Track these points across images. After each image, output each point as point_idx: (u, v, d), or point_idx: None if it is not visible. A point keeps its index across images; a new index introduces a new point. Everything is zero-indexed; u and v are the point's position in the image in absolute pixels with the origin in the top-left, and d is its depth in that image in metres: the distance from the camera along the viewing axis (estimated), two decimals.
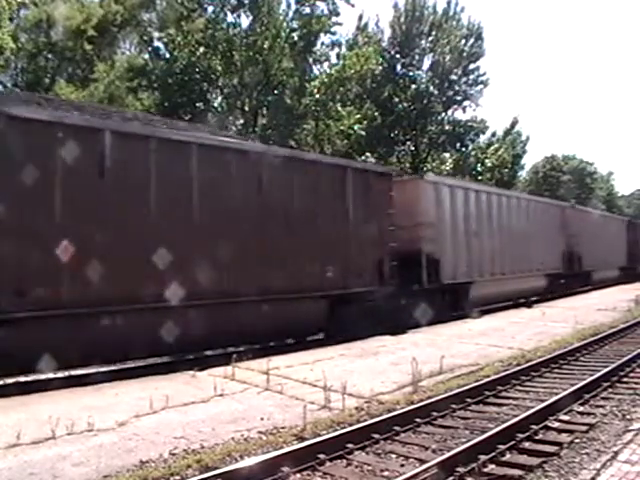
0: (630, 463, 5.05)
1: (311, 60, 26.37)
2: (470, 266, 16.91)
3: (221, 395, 7.64)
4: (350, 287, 12.69)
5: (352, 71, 25.42)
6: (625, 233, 34.58)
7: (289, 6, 25.20)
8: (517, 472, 5.19)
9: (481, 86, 35.83)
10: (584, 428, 6.38)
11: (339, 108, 26.22)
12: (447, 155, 36.94)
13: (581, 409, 7.21)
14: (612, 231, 31.37)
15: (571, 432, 6.26)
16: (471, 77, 35.50)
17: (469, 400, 7.52)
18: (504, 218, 19.34)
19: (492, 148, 38.12)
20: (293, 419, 6.57)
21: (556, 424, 6.55)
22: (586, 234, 25.74)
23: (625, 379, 8.76)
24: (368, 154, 29.61)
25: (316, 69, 27.18)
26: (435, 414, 6.89)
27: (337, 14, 25.53)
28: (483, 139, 38.99)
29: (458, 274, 16.30)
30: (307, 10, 25.07)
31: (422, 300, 14.00)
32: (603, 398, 7.76)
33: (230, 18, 24.96)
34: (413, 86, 34.40)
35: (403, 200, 14.40)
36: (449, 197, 16.45)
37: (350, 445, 5.75)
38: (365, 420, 6.61)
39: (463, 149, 37.06)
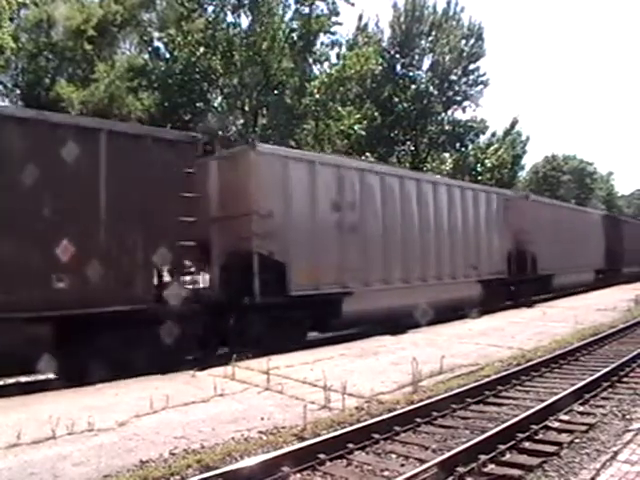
0: (630, 463, 5.05)
1: (311, 60, 26.36)
2: (344, 271, 12.71)
3: (221, 395, 7.64)
4: (93, 304, 8.48)
5: (352, 71, 25.40)
6: (603, 229, 30.57)
7: (289, 6, 25.21)
8: (517, 472, 5.19)
9: (481, 86, 35.96)
10: (584, 428, 6.38)
11: (339, 108, 26.21)
12: (447, 155, 36.97)
13: (581, 409, 7.21)
14: (584, 227, 27.37)
15: (571, 432, 6.26)
16: (471, 77, 35.58)
17: (469, 400, 7.52)
18: (411, 209, 15.12)
19: (492, 148, 38.14)
20: (293, 419, 6.57)
21: (556, 424, 6.55)
22: (545, 230, 21.84)
23: (625, 379, 8.76)
24: (368, 154, 29.60)
25: (316, 69, 27.19)
26: (435, 414, 6.89)
27: (337, 14, 25.54)
28: (483, 139, 39.10)
29: (321, 283, 12.23)
30: (307, 10, 25.06)
31: (257, 319, 10.85)
32: (603, 398, 7.76)
33: (230, 18, 24.97)
34: (413, 86, 34.44)
35: (233, 180, 11.30)
36: (307, 178, 12.25)
37: (350, 445, 5.76)
38: (365, 420, 6.61)
39: (463, 149, 37.11)
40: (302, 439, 5.94)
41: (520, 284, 20.17)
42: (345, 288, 12.77)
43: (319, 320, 12.47)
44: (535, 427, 6.24)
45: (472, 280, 17.40)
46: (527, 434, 6.05)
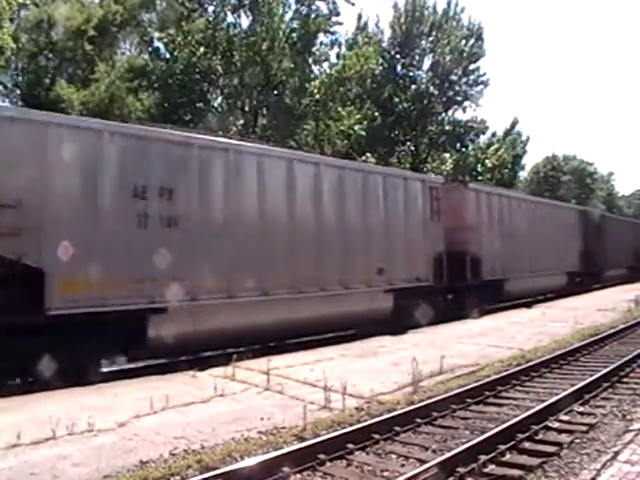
0: (630, 463, 5.05)
1: (311, 60, 26.36)
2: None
3: (221, 395, 7.64)
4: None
5: (352, 71, 25.42)
6: (579, 226, 27.00)
7: (289, 6, 25.22)
8: (517, 472, 5.19)
9: (481, 86, 35.98)
10: (584, 428, 6.38)
11: (339, 108, 26.22)
12: (447, 155, 36.96)
13: (581, 409, 7.21)
14: (553, 224, 23.67)
15: (571, 432, 6.26)
16: (471, 77, 35.59)
17: (469, 400, 7.52)
18: (275, 198, 11.57)
19: (492, 148, 38.15)
20: (293, 419, 6.57)
21: (556, 424, 6.55)
22: (494, 227, 18.82)
23: (625, 379, 8.76)
24: (368, 154, 29.61)
25: (316, 69, 27.19)
26: (435, 414, 6.89)
27: (337, 14, 25.57)
28: (483, 139, 39.11)
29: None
30: (307, 10, 25.08)
31: None
32: (603, 398, 7.76)
33: (230, 18, 25.00)
34: (413, 86, 34.47)
35: None
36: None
37: (350, 445, 5.76)
38: (365, 420, 6.61)
39: (463, 149, 37.10)
40: (302, 439, 5.94)
41: (455, 292, 16.53)
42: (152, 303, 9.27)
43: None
44: (535, 427, 6.24)
45: (379, 289, 13.71)
46: (527, 434, 6.05)
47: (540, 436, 6.17)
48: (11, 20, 20.56)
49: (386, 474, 5.24)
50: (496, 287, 18.18)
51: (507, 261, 18.91)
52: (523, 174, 51.87)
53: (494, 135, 40.08)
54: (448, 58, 33.95)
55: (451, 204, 16.41)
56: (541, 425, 6.37)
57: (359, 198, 13.52)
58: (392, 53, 34.05)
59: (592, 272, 27.03)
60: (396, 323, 13.47)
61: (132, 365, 9.54)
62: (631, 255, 34.34)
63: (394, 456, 5.71)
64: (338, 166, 13.65)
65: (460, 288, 16.40)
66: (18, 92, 23.19)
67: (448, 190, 16.92)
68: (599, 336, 12.44)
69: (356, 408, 7.12)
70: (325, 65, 27.38)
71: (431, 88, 34.60)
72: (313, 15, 25.01)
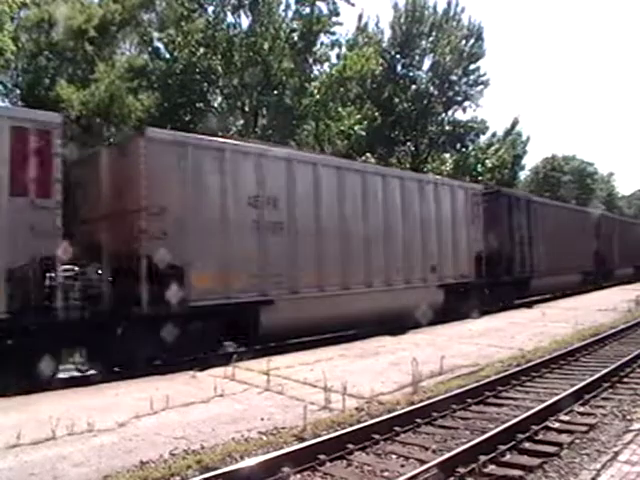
0: (630, 464, 5.04)
1: (311, 60, 26.37)
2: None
3: (221, 395, 7.64)
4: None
5: (352, 71, 25.43)
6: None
7: (289, 6, 25.23)
8: (517, 472, 5.19)
9: (481, 86, 35.99)
10: (584, 428, 6.38)
11: (339, 108, 26.22)
12: (447, 155, 36.97)
13: (581, 409, 7.21)
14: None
15: (571, 432, 6.26)
16: (471, 77, 35.61)
17: (469, 400, 7.52)
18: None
19: (492, 148, 38.14)
20: (293, 419, 6.57)
21: (556, 424, 6.55)
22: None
23: (625, 379, 8.76)
24: (368, 154, 29.62)
25: (316, 69, 27.20)
26: (435, 414, 6.89)
27: (337, 14, 25.56)
28: (483, 139, 39.09)
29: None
30: (307, 10, 25.09)
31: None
32: (603, 398, 7.76)
33: (230, 18, 25.01)
34: (413, 86, 34.48)
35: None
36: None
37: (350, 445, 5.76)
38: (365, 420, 6.61)
39: (463, 149, 37.12)
40: (302, 440, 5.94)
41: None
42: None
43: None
44: (535, 428, 6.24)
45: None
46: (527, 435, 6.05)
47: (540, 436, 6.16)
48: (12, 19, 20.57)
49: (386, 474, 5.24)
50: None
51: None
52: (523, 174, 51.91)
53: (494, 135, 40.12)
54: (448, 58, 33.96)
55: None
56: (541, 425, 6.37)
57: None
58: (392, 53, 34.06)
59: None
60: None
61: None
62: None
63: (394, 456, 5.71)
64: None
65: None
66: (18, 92, 23.18)
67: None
68: (599, 336, 12.44)
69: (356, 408, 7.12)
70: (325, 65, 27.41)
71: (431, 88, 34.62)
72: (314, 15, 24.99)
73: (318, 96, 25.15)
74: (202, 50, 24.19)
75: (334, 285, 12.67)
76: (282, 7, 25.08)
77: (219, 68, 24.79)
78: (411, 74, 34.68)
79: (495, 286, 18.18)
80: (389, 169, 18.38)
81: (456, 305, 15.95)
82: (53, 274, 8.59)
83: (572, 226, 25.04)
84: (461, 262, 16.72)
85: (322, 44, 26.61)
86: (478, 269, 17.25)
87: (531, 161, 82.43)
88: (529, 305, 19.92)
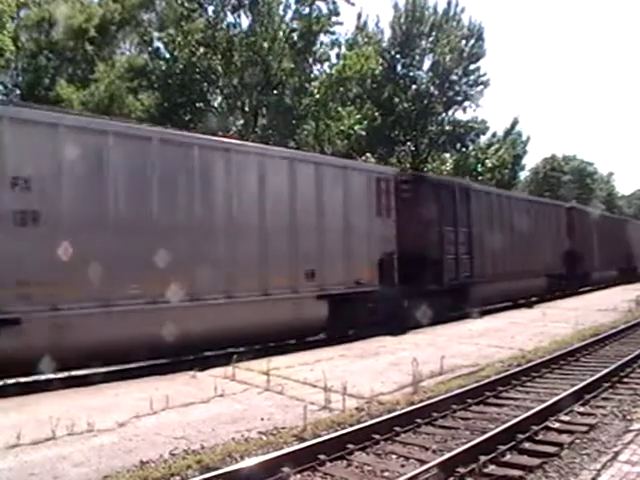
0: (630, 464, 5.04)
1: (311, 60, 26.38)
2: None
3: (221, 395, 7.64)
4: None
5: (352, 71, 25.42)
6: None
7: (289, 6, 25.23)
8: (517, 472, 5.19)
9: (481, 86, 36.00)
10: (584, 429, 6.38)
11: (339, 108, 26.22)
12: (447, 155, 36.98)
13: (581, 409, 7.20)
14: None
15: (571, 433, 6.26)
16: (471, 77, 35.61)
17: (469, 401, 7.51)
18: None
19: (492, 148, 38.16)
20: (293, 419, 6.56)
21: (556, 425, 6.55)
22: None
23: (626, 379, 8.76)
24: (368, 154, 29.62)
25: (316, 69, 27.21)
26: (435, 414, 6.88)
27: (337, 14, 25.56)
28: (483, 139, 39.11)
29: None
30: (307, 10, 25.08)
31: None
32: (604, 399, 7.75)
33: (230, 18, 25.01)
34: (413, 86, 34.48)
35: None
36: None
37: (350, 445, 5.75)
38: (365, 421, 6.60)
39: (463, 149, 37.12)
40: (302, 440, 5.93)
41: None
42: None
43: None
44: (535, 428, 6.23)
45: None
46: (527, 435, 6.05)
47: (540, 436, 6.16)
48: (12, 18, 20.57)
49: (386, 474, 5.23)
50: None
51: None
52: (523, 174, 51.93)
53: (494, 135, 40.15)
54: (448, 58, 33.96)
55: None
56: (541, 425, 6.37)
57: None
58: (392, 53, 34.06)
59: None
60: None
61: (133, 365, 9.54)
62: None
63: (394, 456, 5.70)
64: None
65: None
66: (18, 92, 23.20)
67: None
68: (600, 336, 12.43)
69: (356, 408, 7.11)
70: (325, 65, 27.42)
71: (431, 88, 34.61)
72: (314, 15, 24.99)
73: (318, 96, 25.15)
74: (202, 50, 24.21)
75: (131, 298, 8.97)
76: (282, 7, 25.10)
77: (219, 68, 24.81)
78: (411, 74, 34.68)
79: (418, 297, 13.93)
80: (237, 143, 12.72)
81: (351, 321, 12.69)
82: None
83: (534, 222, 21.26)
84: (358, 266, 12.98)
85: (322, 44, 26.65)
86: (387, 275, 13.59)
87: (531, 161, 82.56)
88: (529, 305, 19.89)
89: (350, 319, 12.70)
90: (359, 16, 32.74)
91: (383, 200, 13.89)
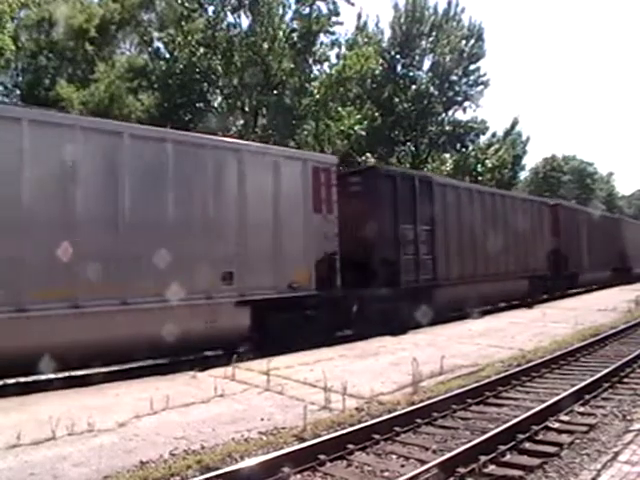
0: (630, 464, 5.04)
1: (311, 60, 26.37)
2: None
3: (221, 396, 7.64)
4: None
5: (352, 71, 25.42)
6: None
7: (289, 6, 25.22)
8: (517, 472, 5.19)
9: (481, 87, 35.98)
10: (584, 429, 6.38)
11: (339, 108, 26.21)
12: (447, 156, 36.96)
13: (581, 410, 7.21)
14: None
15: (571, 433, 6.26)
16: (471, 78, 35.60)
17: (469, 400, 7.52)
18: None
19: (492, 149, 38.12)
20: (293, 419, 6.57)
21: (556, 425, 6.55)
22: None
23: (626, 379, 8.76)
24: (368, 154, 29.62)
25: (316, 69, 27.20)
26: (435, 414, 6.89)
27: (337, 14, 25.55)
28: (483, 140, 39.07)
29: None
30: (307, 10, 25.08)
31: None
32: (603, 399, 7.76)
33: (230, 18, 25.01)
34: (413, 87, 34.46)
35: None
36: None
37: (350, 446, 5.75)
38: (365, 421, 6.61)
39: (463, 150, 37.09)
40: (302, 440, 5.93)
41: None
42: None
43: None
44: (535, 428, 6.24)
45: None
46: (527, 435, 6.05)
47: (540, 436, 6.16)
48: (12, 19, 20.57)
49: (386, 474, 5.24)
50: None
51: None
52: (523, 174, 51.92)
53: (494, 135, 40.08)
54: (448, 58, 33.95)
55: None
56: (541, 425, 6.37)
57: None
58: (392, 53, 34.04)
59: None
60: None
61: (133, 365, 9.55)
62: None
63: (394, 456, 5.70)
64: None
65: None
66: (18, 92, 23.20)
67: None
68: (599, 336, 12.44)
69: (356, 408, 7.11)
70: (325, 65, 27.41)
71: (431, 88, 34.59)
72: (314, 15, 24.99)
73: (318, 96, 25.14)
74: (202, 50, 24.20)
75: None
76: (282, 7, 25.08)
77: (219, 68, 24.80)
78: (411, 74, 34.67)
79: (371, 301, 12.91)
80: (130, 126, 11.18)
81: (286, 329, 11.03)
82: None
83: (513, 219, 19.67)
84: (291, 268, 11.46)
85: (322, 44, 26.63)
86: (327, 278, 12.12)
87: (531, 161, 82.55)
88: (529, 305, 19.89)
89: (284, 328, 10.94)
90: (359, 16, 32.72)
91: (323, 193, 12.33)
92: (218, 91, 26.31)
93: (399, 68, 34.41)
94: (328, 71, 26.69)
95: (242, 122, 25.62)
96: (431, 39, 34.38)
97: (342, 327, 12.76)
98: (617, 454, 5.35)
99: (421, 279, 14.80)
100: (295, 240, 11.64)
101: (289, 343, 10.78)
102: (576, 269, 24.40)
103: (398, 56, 34.16)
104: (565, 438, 6.10)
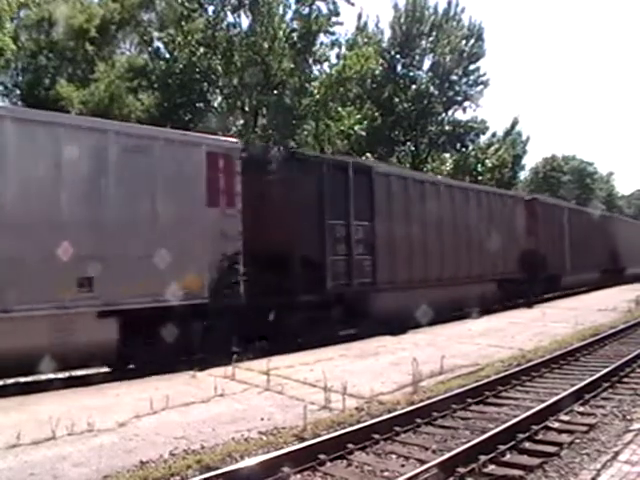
0: (630, 463, 5.04)
1: (311, 60, 26.36)
2: None
3: (221, 395, 7.64)
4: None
5: (352, 71, 25.40)
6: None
7: (289, 6, 25.20)
8: (517, 472, 5.19)
9: (481, 86, 35.91)
10: (584, 428, 6.38)
11: (339, 108, 26.20)
12: (447, 155, 36.96)
13: (581, 409, 7.21)
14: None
15: (571, 432, 6.26)
16: (471, 77, 35.55)
17: (469, 400, 7.52)
18: None
19: (492, 148, 38.11)
20: (293, 419, 6.57)
21: (556, 424, 6.55)
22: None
23: (625, 379, 8.77)
24: (368, 154, 29.61)
25: (316, 69, 27.18)
26: (435, 414, 6.89)
27: (337, 14, 25.52)
28: (483, 139, 39.05)
29: None
30: (307, 10, 25.06)
31: None
32: (603, 398, 7.76)
33: (230, 18, 24.97)
34: (413, 86, 34.44)
35: None
36: None
37: (350, 445, 5.76)
38: (365, 420, 6.61)
39: (463, 149, 37.08)
40: (302, 439, 5.94)
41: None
42: None
43: None
44: (535, 427, 6.24)
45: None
46: (527, 434, 6.05)
47: (540, 436, 6.17)
48: (12, 19, 20.57)
49: (386, 474, 5.24)
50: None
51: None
52: (523, 174, 51.93)
53: (494, 135, 40.07)
54: (448, 58, 33.91)
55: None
56: (541, 425, 6.38)
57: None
58: (392, 53, 34.01)
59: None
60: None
61: (132, 366, 9.54)
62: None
63: (394, 456, 5.71)
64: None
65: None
66: (18, 92, 23.19)
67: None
68: (599, 336, 12.44)
69: (356, 408, 7.12)
70: (325, 65, 27.39)
71: (431, 88, 34.56)
72: (314, 15, 24.98)
73: (318, 96, 25.12)
74: (202, 50, 24.18)
75: None
76: (282, 7, 25.07)
77: (219, 68, 24.78)
78: (411, 74, 34.64)
79: (288, 310, 11.31)
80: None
81: (172, 344, 9.28)
82: None
83: (477, 216, 17.77)
84: (175, 272, 9.44)
85: (322, 44, 26.60)
86: (227, 283, 10.39)
87: (531, 161, 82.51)
88: (529, 305, 19.90)
89: (168, 342, 9.21)
90: (359, 16, 32.70)
91: (221, 184, 10.51)
92: (218, 91, 26.29)
93: (399, 68, 34.40)
94: (328, 71, 26.67)
95: (242, 122, 25.60)
96: (431, 39, 34.35)
97: (253, 339, 11.11)
98: (617, 454, 5.35)
99: (355, 283, 12.93)
100: (180, 239, 9.67)
101: (169, 359, 9.26)
102: (557, 271, 22.43)
103: (398, 56, 34.14)
104: (565, 438, 6.11)
